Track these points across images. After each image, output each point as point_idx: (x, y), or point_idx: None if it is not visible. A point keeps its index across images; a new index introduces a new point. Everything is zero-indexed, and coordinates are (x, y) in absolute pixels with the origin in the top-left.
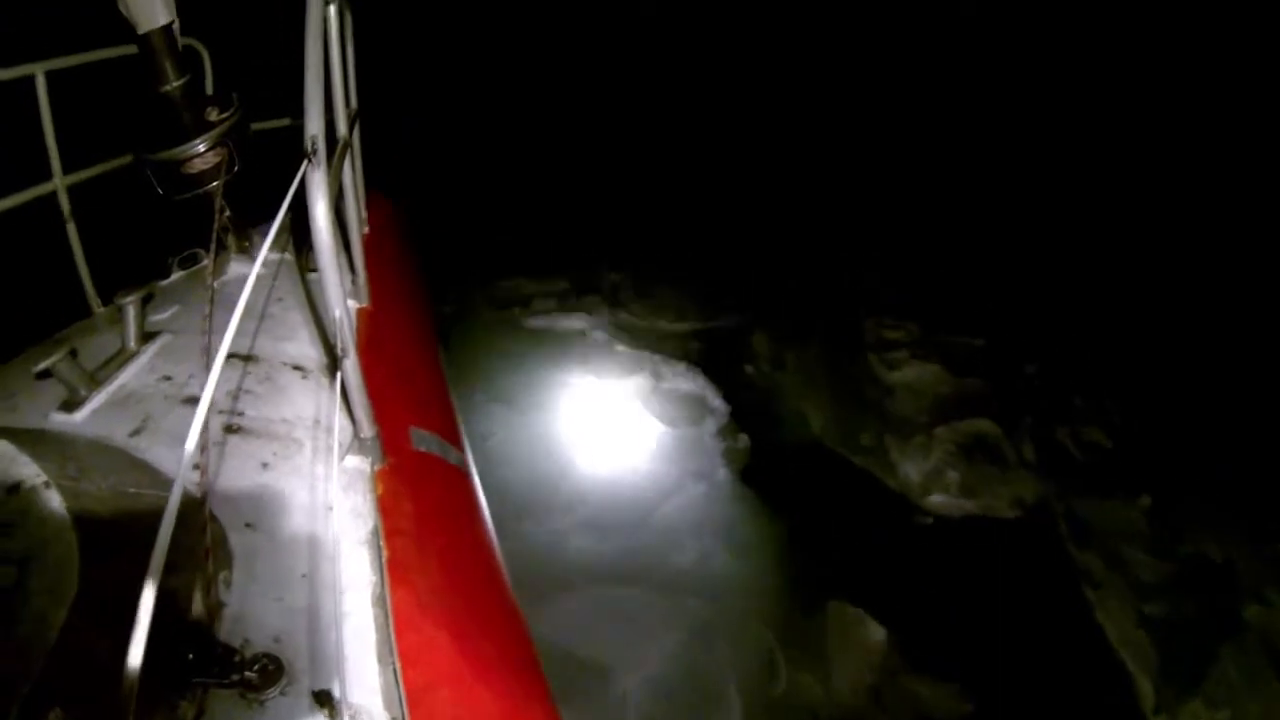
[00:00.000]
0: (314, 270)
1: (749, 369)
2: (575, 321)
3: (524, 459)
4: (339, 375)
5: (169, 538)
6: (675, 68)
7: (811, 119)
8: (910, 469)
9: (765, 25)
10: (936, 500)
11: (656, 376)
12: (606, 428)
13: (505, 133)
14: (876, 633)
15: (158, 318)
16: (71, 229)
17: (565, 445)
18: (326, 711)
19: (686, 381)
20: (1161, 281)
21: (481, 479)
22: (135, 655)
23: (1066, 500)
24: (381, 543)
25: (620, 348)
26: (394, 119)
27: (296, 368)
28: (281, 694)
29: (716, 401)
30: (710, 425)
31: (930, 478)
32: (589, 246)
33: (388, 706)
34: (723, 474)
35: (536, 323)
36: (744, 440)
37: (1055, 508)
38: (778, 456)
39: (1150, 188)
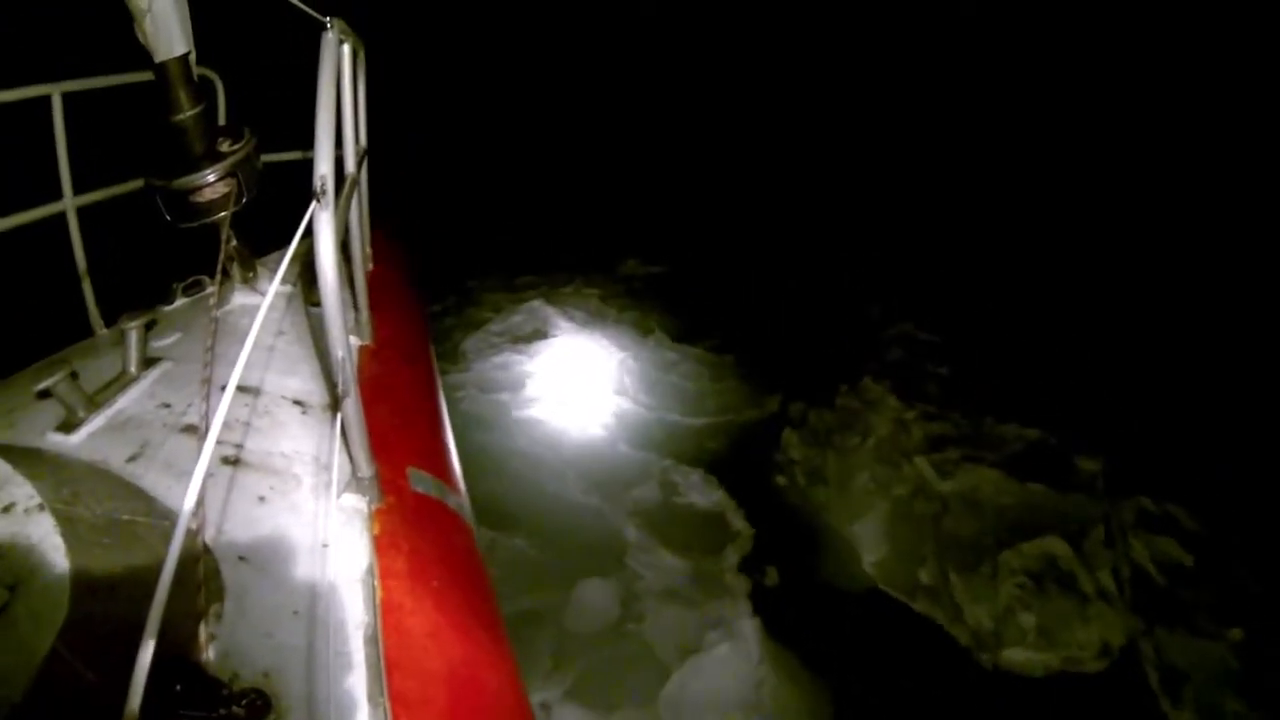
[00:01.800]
0: (317, 305)
1: (780, 480)
2: (572, 412)
3: (503, 598)
4: (339, 413)
5: (172, 575)
6: (675, 69)
7: (813, 123)
8: (980, 613)
9: (765, 26)
10: (1014, 656)
11: (666, 488)
12: (604, 558)
13: (505, 148)
14: None
15: (160, 343)
16: (78, 249)
17: (553, 580)
18: None
19: (702, 495)
20: (1220, 345)
21: None
22: (137, 688)
23: (1154, 639)
24: (376, 582)
25: (623, 448)
26: (400, 136)
27: (297, 402)
28: None
29: (739, 523)
30: (732, 556)
31: (1003, 622)
32: (590, 317)
33: None
34: (748, 624)
35: (527, 414)
36: (774, 577)
37: (1143, 650)
38: (817, 600)
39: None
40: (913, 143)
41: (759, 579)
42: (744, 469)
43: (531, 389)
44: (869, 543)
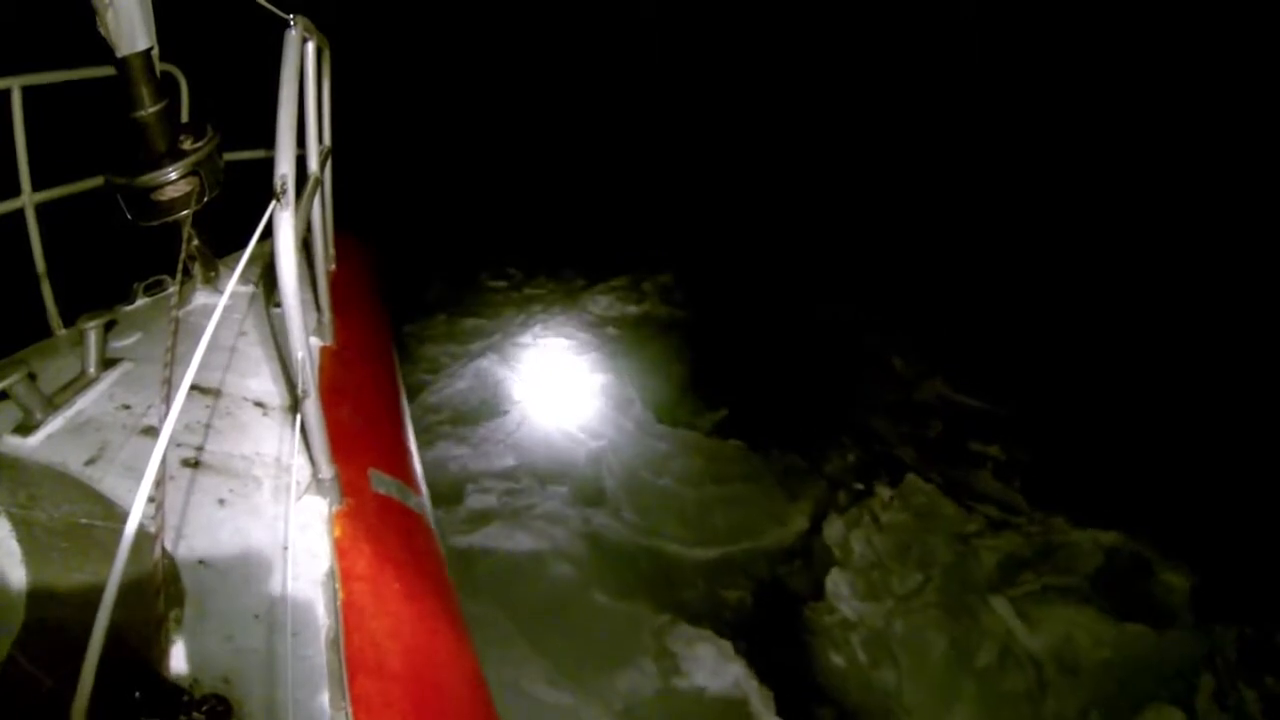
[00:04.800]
0: (279, 305)
1: (829, 654)
2: (530, 540)
3: None
4: (299, 414)
5: (120, 574)
6: (676, 70)
7: (814, 129)
8: None
9: (766, 28)
10: None
11: (663, 664)
12: None
13: (475, 157)
14: None
15: (120, 344)
16: (37, 248)
17: None
18: None
19: (715, 675)
20: None
21: None
22: (83, 694)
23: None
24: (337, 585)
25: (602, 599)
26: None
27: (258, 404)
28: None
29: None
30: None
31: None
32: (554, 381)
33: None
34: None
35: (467, 544)
36: None
37: None
38: None
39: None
40: (920, 151)
41: None
42: (772, 630)
43: (474, 500)
44: None
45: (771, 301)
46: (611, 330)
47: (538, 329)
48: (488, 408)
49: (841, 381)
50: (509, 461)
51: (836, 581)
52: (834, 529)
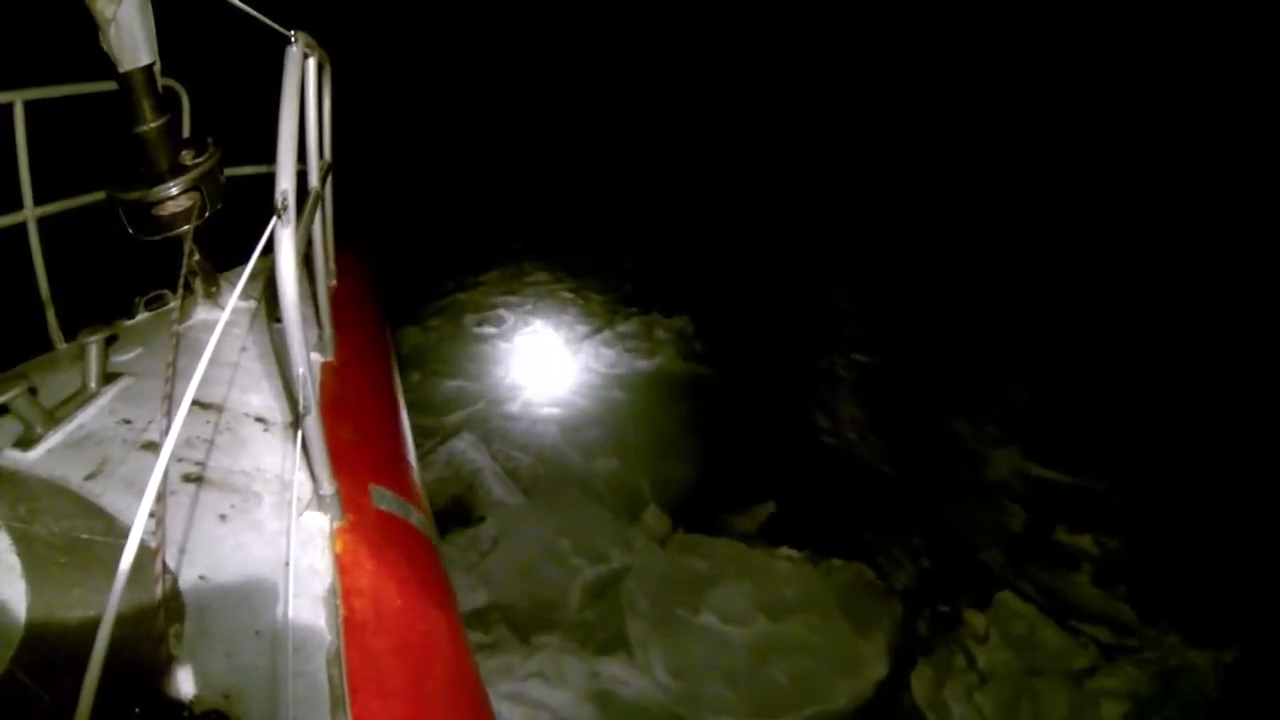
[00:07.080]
0: (280, 321)
1: None
2: (515, 711)
3: None
4: (300, 430)
5: (121, 590)
6: (676, 71)
7: (822, 132)
8: None
9: (765, 30)
10: None
11: None
12: None
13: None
14: None
15: (121, 358)
16: (38, 261)
17: None
18: None
19: None
20: None
21: None
22: (84, 711)
23: None
24: (338, 601)
25: None
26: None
27: (259, 419)
28: None
29: None
30: None
31: None
32: (546, 468)
33: None
34: None
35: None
36: None
37: None
38: None
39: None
40: (947, 159)
41: None
42: None
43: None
44: None
45: (806, 349)
46: (619, 395)
47: (529, 393)
48: (459, 512)
49: (900, 456)
50: (480, 599)
51: None
52: (924, 681)
